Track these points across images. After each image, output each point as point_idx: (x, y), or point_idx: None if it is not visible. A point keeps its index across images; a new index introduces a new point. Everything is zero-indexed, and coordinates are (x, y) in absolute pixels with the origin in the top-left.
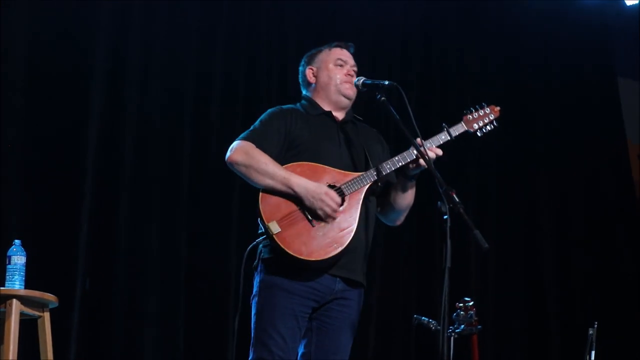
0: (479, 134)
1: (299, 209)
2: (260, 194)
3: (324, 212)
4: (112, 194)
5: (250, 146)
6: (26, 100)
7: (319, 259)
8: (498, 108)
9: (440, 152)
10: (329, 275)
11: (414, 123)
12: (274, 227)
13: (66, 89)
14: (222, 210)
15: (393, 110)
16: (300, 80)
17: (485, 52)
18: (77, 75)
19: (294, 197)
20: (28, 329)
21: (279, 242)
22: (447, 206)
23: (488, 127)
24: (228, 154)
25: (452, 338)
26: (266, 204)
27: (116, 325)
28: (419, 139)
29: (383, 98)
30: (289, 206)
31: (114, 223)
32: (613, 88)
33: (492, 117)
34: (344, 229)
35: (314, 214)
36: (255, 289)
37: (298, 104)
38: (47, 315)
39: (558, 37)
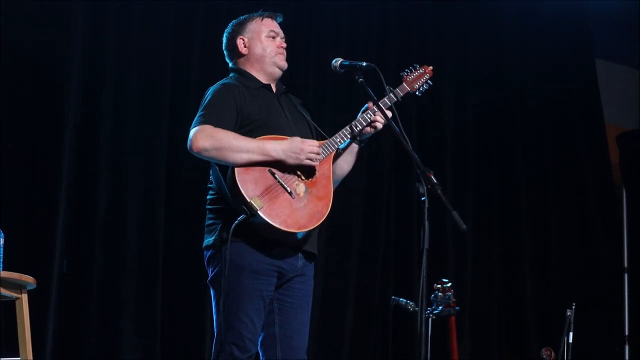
0: (418, 93)
1: (277, 182)
2: (236, 173)
3: (310, 159)
4: (90, 175)
5: (210, 128)
6: (4, 84)
7: (304, 229)
8: (431, 67)
9: (390, 113)
10: (292, 251)
11: (394, 106)
12: (258, 203)
13: (44, 73)
14: (199, 193)
15: (371, 92)
16: (226, 49)
17: (463, 35)
18: (54, 61)
19: (269, 171)
20: (6, 311)
21: (266, 217)
22: (425, 187)
23: (425, 86)
24: (190, 144)
25: (430, 319)
26: (243, 181)
27: (94, 308)
28: (370, 104)
29: (361, 79)
30: (266, 181)
31: (91, 205)
32: (591, 70)
33: (427, 76)
34: (322, 199)
35: (293, 177)
36: (218, 270)
37: (231, 78)
38: (25, 297)
39: (536, 19)
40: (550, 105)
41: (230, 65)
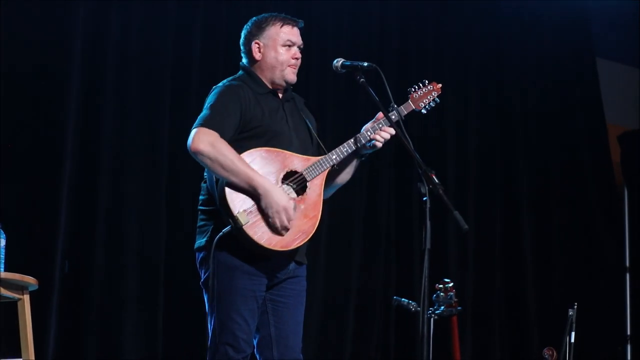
0: (423, 111)
1: None
2: (226, 185)
3: (274, 223)
4: (91, 176)
5: (215, 136)
6: (5, 84)
7: (287, 248)
8: (440, 85)
9: (393, 131)
10: (283, 258)
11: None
12: (244, 219)
13: (45, 73)
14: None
15: (372, 92)
16: (242, 47)
17: (463, 35)
18: (55, 62)
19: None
20: (8, 312)
21: (249, 234)
22: (427, 187)
23: (432, 104)
24: (191, 142)
25: (432, 319)
26: (232, 194)
27: (95, 308)
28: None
29: (362, 79)
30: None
31: (93, 205)
32: (592, 69)
33: (435, 94)
34: (309, 218)
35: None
36: (211, 272)
37: (240, 78)
38: (26, 298)
39: (536, 18)
40: (552, 105)
41: (242, 61)
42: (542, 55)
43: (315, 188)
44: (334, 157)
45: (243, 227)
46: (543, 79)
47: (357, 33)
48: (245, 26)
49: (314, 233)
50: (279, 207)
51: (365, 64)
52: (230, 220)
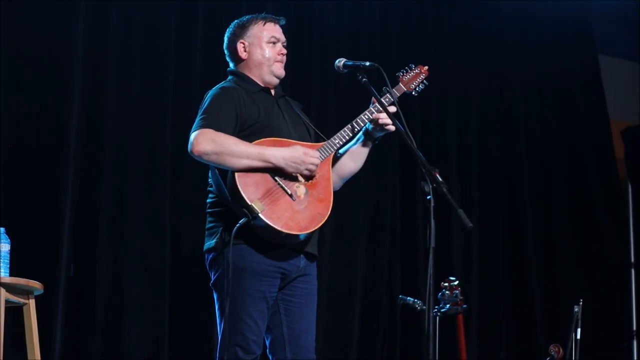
0: (414, 93)
1: (277, 185)
2: (236, 177)
3: (310, 170)
4: (95, 180)
5: (212, 132)
6: (5, 88)
7: (305, 231)
8: (426, 67)
9: (394, 109)
10: (294, 252)
11: (396, 103)
12: (259, 206)
13: (47, 76)
14: (205, 197)
15: (375, 91)
16: (227, 50)
17: (464, 33)
18: (57, 64)
19: (269, 174)
20: (14, 316)
21: (267, 220)
22: (430, 186)
23: (421, 86)
24: (192, 147)
25: (437, 318)
26: (244, 184)
27: (101, 312)
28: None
29: (364, 79)
30: (266, 184)
31: (97, 209)
32: (594, 65)
33: (423, 76)
34: (322, 201)
35: (293, 180)
36: (220, 273)
37: (231, 81)
38: (32, 302)
39: (538, 15)
40: (554, 102)
41: (230, 66)
42: (543, 52)
43: (324, 173)
44: (336, 141)
45: (259, 214)
46: (545, 76)
47: (358, 33)
48: (227, 30)
49: (330, 214)
50: (301, 156)
51: (367, 63)
52: (246, 211)
